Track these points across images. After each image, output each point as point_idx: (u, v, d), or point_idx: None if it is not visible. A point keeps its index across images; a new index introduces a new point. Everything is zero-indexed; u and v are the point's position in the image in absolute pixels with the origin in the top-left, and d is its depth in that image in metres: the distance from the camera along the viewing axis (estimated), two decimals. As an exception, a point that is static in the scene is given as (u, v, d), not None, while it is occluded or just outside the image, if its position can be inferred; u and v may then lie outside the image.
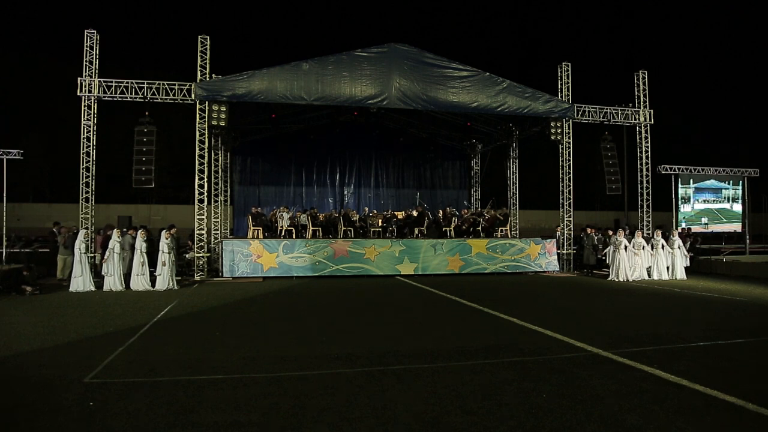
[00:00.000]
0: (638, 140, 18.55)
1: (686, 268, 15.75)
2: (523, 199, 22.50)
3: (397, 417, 4.32)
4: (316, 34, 63.49)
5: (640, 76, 18.41)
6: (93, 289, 12.64)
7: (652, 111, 18.39)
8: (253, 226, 17.23)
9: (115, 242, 12.78)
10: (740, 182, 22.33)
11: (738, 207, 22.51)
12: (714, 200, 22.24)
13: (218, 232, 18.26)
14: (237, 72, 15.18)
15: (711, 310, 10.09)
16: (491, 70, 16.67)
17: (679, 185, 21.31)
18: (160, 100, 15.14)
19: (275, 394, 4.88)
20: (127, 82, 14.94)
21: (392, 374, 5.54)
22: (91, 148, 14.79)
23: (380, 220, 18.77)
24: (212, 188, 17.31)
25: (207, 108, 15.13)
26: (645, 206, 18.68)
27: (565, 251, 17.81)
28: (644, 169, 18.58)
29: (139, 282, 12.94)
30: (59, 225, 16.36)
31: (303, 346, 6.93)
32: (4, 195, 17.03)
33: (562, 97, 17.61)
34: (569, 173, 17.84)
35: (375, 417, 4.32)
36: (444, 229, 18.48)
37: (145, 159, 15.09)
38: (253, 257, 15.34)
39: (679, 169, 20.89)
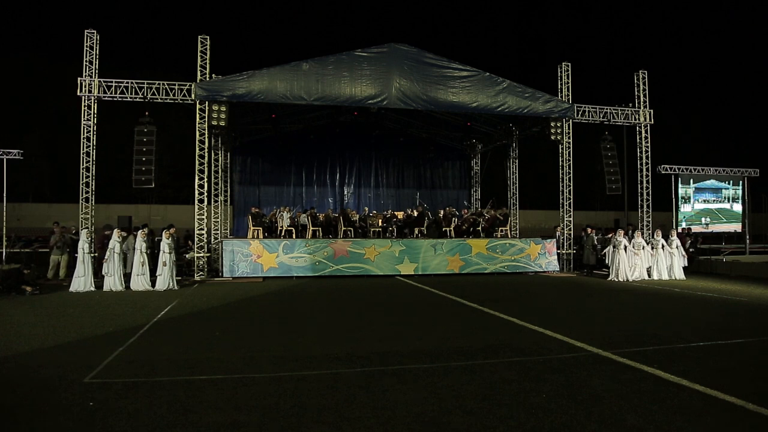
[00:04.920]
0: (638, 140, 18.55)
1: (685, 268, 15.74)
2: (523, 199, 22.49)
3: (397, 417, 4.32)
4: (316, 34, 63.55)
5: (640, 76, 18.40)
6: (93, 289, 12.65)
7: (652, 111, 18.38)
8: (253, 226, 17.23)
9: (115, 242, 12.77)
10: (740, 182, 22.32)
11: (738, 207, 22.50)
12: (714, 200, 22.23)
13: (218, 232, 18.26)
14: (237, 72, 15.18)
15: (711, 310, 10.08)
16: (491, 70, 16.69)
17: (679, 185, 21.31)
18: (160, 100, 15.13)
19: (275, 394, 4.88)
20: (127, 82, 14.94)
21: (392, 374, 5.54)
22: (91, 148, 14.77)
23: (380, 220, 18.77)
24: (212, 188, 17.31)
25: (207, 108, 15.12)
26: (645, 206, 18.68)
27: (565, 251, 17.81)
28: (644, 169, 18.58)
29: (139, 282, 12.94)
30: (58, 225, 16.38)
31: (303, 346, 6.93)
32: (4, 195, 17.04)
33: (562, 97, 17.60)
34: (569, 173, 17.83)
35: (375, 417, 4.32)
36: (444, 229, 18.48)
37: (145, 159, 15.08)
38: (253, 257, 15.34)
39: (679, 169, 20.89)
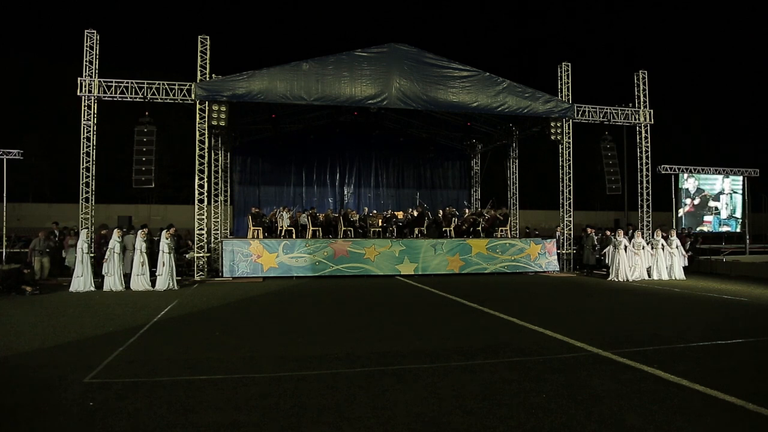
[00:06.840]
0: (638, 140, 18.54)
1: (685, 268, 15.74)
2: (523, 199, 22.49)
3: (397, 417, 4.32)
4: (316, 34, 63.58)
5: (640, 76, 18.40)
6: (93, 289, 12.64)
7: (652, 111, 18.37)
8: (253, 226, 17.22)
9: (115, 242, 12.77)
10: (740, 182, 22.31)
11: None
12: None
13: (218, 232, 18.26)
14: (237, 72, 15.18)
15: (711, 310, 10.08)
16: (491, 70, 16.69)
17: (680, 185, 21.29)
18: (160, 100, 15.12)
19: (275, 394, 4.88)
20: (127, 82, 14.93)
21: (392, 374, 5.54)
22: (91, 148, 14.77)
23: (380, 220, 18.77)
24: (212, 188, 17.30)
25: (207, 108, 15.12)
26: (645, 206, 18.67)
27: (565, 251, 17.81)
28: (644, 169, 18.57)
29: (139, 282, 12.94)
30: (58, 225, 16.40)
31: (303, 346, 6.93)
32: (4, 195, 17.04)
33: (562, 97, 17.60)
34: (569, 173, 17.83)
35: (375, 417, 4.32)
36: (444, 229, 18.47)
37: (145, 159, 15.08)
38: (253, 257, 15.33)
39: (679, 169, 20.89)
